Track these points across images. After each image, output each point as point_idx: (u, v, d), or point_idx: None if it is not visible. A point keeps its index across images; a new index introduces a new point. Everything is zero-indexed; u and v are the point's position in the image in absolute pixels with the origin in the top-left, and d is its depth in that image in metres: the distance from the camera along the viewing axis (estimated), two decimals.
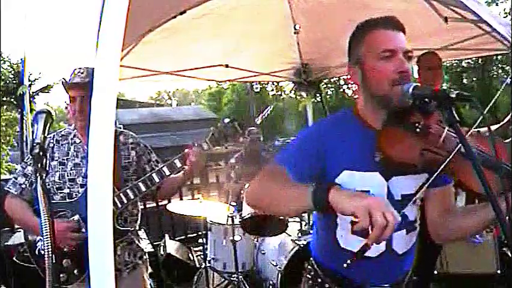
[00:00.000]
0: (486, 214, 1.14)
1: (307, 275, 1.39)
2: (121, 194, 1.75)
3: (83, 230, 1.74)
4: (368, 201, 0.92)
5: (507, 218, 0.94)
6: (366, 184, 1.19)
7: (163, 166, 1.78)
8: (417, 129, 1.13)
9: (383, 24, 1.19)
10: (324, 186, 1.00)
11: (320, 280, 1.33)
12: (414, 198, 1.18)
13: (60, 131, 1.95)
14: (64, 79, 1.84)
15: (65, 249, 1.73)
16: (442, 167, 1.07)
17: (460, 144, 1.06)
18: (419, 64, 2.68)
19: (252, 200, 1.23)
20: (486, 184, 0.91)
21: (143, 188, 1.76)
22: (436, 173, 1.08)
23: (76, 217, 1.76)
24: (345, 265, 0.97)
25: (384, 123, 1.17)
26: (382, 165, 1.15)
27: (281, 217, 2.84)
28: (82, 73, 1.82)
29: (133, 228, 1.91)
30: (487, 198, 1.08)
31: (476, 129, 1.15)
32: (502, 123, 2.75)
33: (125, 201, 1.76)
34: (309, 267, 1.40)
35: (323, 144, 1.21)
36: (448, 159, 1.07)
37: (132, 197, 1.76)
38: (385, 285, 1.27)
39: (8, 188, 1.86)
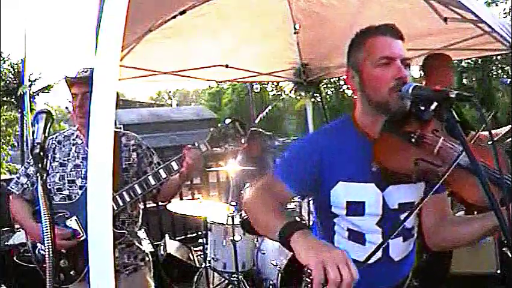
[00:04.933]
0: (482, 224, 1.13)
1: (307, 279, 1.39)
2: (116, 197, 1.73)
3: (79, 234, 1.74)
4: (326, 254, 0.89)
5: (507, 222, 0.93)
6: (360, 195, 1.21)
7: (159, 168, 1.76)
8: (412, 139, 1.13)
9: (382, 31, 1.19)
10: (290, 228, 0.98)
11: None
12: (413, 210, 1.16)
13: (64, 132, 1.95)
14: (67, 76, 1.84)
15: (62, 250, 1.73)
16: (445, 176, 1.05)
17: (461, 154, 1.05)
18: (425, 65, 2.63)
19: (245, 210, 1.28)
20: (489, 193, 0.91)
21: (139, 191, 1.74)
22: (438, 184, 1.07)
23: (73, 219, 1.76)
24: None
25: (380, 132, 1.17)
26: (378, 175, 1.16)
27: None
28: (86, 72, 1.82)
29: (131, 231, 1.89)
30: (481, 209, 1.08)
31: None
32: (504, 132, 2.69)
33: (121, 204, 1.74)
34: (308, 270, 1.40)
35: (319, 156, 1.21)
36: (452, 166, 1.06)
37: (128, 199, 1.74)
38: None
39: (11, 187, 1.88)
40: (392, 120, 1.16)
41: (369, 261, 1.22)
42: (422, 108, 1.02)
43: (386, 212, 1.22)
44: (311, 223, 3.21)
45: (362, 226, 1.24)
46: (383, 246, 1.17)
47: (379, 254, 1.23)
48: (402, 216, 1.24)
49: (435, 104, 1.00)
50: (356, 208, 1.22)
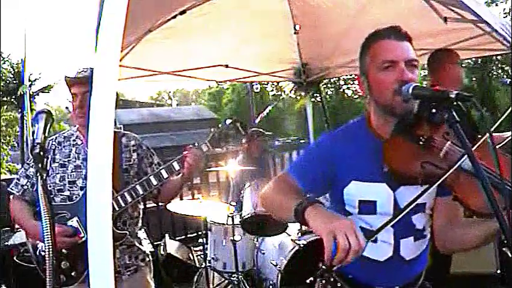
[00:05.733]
0: (487, 227, 1.14)
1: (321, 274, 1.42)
2: (118, 197, 1.73)
3: (80, 234, 1.74)
4: (335, 224, 0.95)
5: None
6: (372, 195, 1.23)
7: (161, 169, 1.76)
8: (421, 142, 1.14)
9: (386, 34, 1.20)
10: (304, 203, 1.04)
11: (332, 280, 1.37)
12: (408, 209, 1.15)
13: (63, 133, 1.94)
14: (67, 76, 1.83)
15: (63, 251, 1.73)
16: (445, 176, 1.06)
17: (462, 156, 1.05)
18: (430, 62, 2.57)
19: (261, 204, 1.35)
20: (490, 195, 0.90)
21: (140, 191, 1.74)
22: (436, 184, 1.08)
23: (75, 219, 1.75)
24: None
25: (390, 134, 1.19)
26: (389, 176, 1.17)
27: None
28: (85, 72, 1.82)
29: (132, 231, 1.89)
30: (484, 216, 1.08)
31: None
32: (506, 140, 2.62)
33: (123, 204, 1.74)
34: (323, 266, 1.43)
35: (334, 155, 1.25)
36: (453, 169, 1.06)
37: (130, 200, 1.74)
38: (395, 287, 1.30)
39: (11, 188, 1.87)
40: (403, 122, 1.18)
41: (381, 259, 1.27)
42: (433, 111, 1.01)
43: (396, 212, 1.23)
44: None
45: (373, 224, 1.25)
46: (385, 226, 1.16)
47: (390, 252, 1.27)
48: (413, 218, 1.26)
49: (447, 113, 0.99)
50: (367, 207, 1.25)
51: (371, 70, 1.22)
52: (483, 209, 1.06)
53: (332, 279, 1.37)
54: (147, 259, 1.97)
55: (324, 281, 1.40)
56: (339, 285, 1.35)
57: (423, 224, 1.29)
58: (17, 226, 3.35)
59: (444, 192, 1.22)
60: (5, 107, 17.73)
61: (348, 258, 0.92)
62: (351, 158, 1.24)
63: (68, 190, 1.80)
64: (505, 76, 20.02)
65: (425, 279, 1.38)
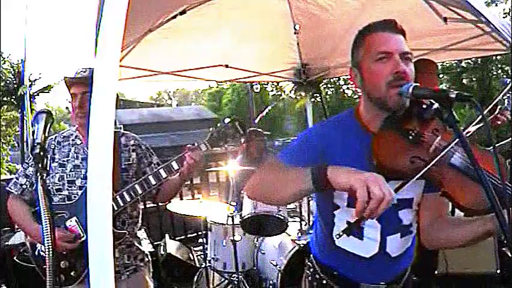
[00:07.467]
0: (477, 228, 1.13)
1: (307, 271, 1.44)
2: (117, 197, 1.73)
3: (79, 237, 1.73)
4: (366, 175, 0.96)
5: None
6: None
7: (160, 168, 1.76)
8: (410, 137, 1.14)
9: (381, 27, 1.20)
10: (321, 166, 1.04)
11: (318, 276, 1.37)
12: (407, 185, 1.16)
13: (62, 133, 1.94)
14: (66, 76, 1.84)
15: (63, 252, 1.73)
16: (429, 166, 1.07)
17: (445, 148, 1.06)
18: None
19: (252, 192, 1.26)
20: (490, 193, 0.90)
21: (139, 191, 1.74)
22: (418, 175, 1.08)
23: (73, 219, 1.75)
24: (336, 236, 1.01)
25: (379, 128, 1.19)
26: (377, 170, 1.16)
27: (281, 216, 2.85)
28: (84, 72, 1.82)
29: (131, 231, 1.89)
30: (473, 212, 1.09)
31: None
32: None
33: (122, 204, 1.74)
34: (309, 263, 1.44)
35: (323, 146, 1.23)
36: (437, 158, 1.06)
37: (128, 199, 1.74)
38: (381, 284, 1.30)
39: (9, 188, 1.87)
40: (393, 116, 1.18)
41: (366, 256, 1.27)
42: (424, 107, 1.02)
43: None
44: (311, 223, 3.21)
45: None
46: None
47: (376, 249, 1.26)
48: (400, 213, 1.26)
49: (437, 104, 1.00)
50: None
51: (365, 62, 1.20)
52: (473, 206, 1.07)
53: (317, 276, 1.37)
54: (146, 259, 1.97)
55: (310, 278, 1.40)
56: (324, 282, 1.35)
57: (410, 219, 1.29)
58: (17, 226, 3.35)
59: (432, 188, 1.22)
60: (5, 107, 17.71)
61: (380, 209, 0.92)
62: (340, 150, 1.22)
63: (67, 190, 1.80)
64: (505, 76, 20.01)
65: (415, 276, 1.38)
